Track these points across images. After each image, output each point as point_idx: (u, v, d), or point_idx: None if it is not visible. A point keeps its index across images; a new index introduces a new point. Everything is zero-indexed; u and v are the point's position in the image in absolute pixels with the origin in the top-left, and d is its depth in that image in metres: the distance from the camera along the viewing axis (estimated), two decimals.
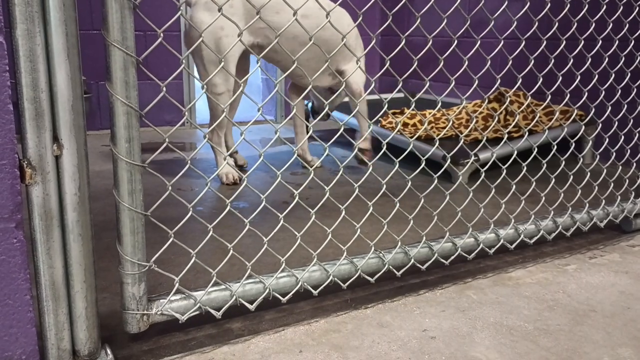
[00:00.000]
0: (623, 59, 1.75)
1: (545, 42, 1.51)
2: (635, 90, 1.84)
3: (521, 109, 1.61)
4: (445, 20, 1.30)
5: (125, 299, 1.04)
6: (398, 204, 1.39)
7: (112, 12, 0.90)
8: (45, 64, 0.87)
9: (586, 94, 1.66)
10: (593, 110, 1.72)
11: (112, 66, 0.92)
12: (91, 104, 3.30)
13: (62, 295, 0.96)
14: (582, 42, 1.61)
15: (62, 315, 0.96)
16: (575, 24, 1.53)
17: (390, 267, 1.36)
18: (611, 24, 1.67)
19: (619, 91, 1.77)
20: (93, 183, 2.21)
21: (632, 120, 1.82)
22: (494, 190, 1.57)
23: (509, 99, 2.61)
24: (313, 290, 1.25)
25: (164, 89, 0.97)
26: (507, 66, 1.44)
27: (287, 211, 1.29)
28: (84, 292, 0.98)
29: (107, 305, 1.29)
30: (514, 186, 1.59)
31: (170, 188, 1.03)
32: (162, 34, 0.94)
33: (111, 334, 1.17)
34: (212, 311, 1.13)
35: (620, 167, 1.89)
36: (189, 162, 1.04)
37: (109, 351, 1.05)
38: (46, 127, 0.89)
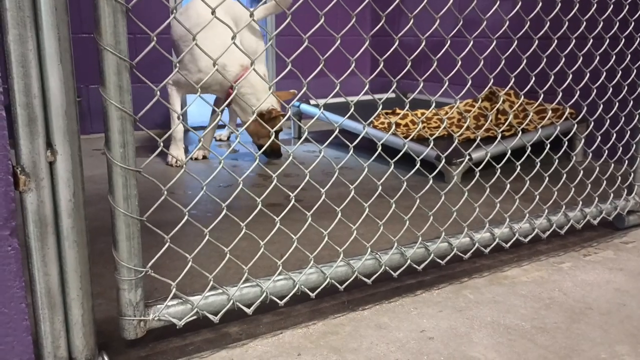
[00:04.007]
0: (614, 57, 1.77)
1: (536, 42, 1.52)
2: (626, 88, 1.85)
3: (513, 108, 1.62)
4: (438, 21, 1.31)
5: (122, 305, 1.03)
6: (394, 205, 1.39)
7: (105, 16, 0.89)
8: (38, 69, 0.86)
9: (578, 92, 1.67)
10: (585, 108, 1.72)
11: (106, 71, 0.92)
12: (82, 108, 3.27)
13: (57, 302, 0.95)
14: (574, 41, 1.62)
15: (58, 322, 0.96)
16: (567, 23, 1.54)
17: (387, 268, 1.36)
18: (602, 23, 1.68)
19: (610, 89, 1.78)
20: (86, 188, 2.19)
21: (623, 118, 1.83)
22: (488, 189, 1.58)
23: (501, 99, 2.62)
24: (310, 293, 1.25)
25: (158, 93, 0.97)
26: (500, 65, 1.44)
27: (283, 214, 1.28)
28: (80, 299, 0.97)
29: (103, 311, 1.28)
30: (508, 185, 1.59)
31: (165, 192, 1.02)
32: (155, 38, 0.93)
33: (108, 341, 1.16)
34: (210, 316, 1.13)
35: (612, 165, 1.90)
36: (184, 166, 1.04)
37: (106, 358, 1.04)
38: (39, 133, 0.88)
